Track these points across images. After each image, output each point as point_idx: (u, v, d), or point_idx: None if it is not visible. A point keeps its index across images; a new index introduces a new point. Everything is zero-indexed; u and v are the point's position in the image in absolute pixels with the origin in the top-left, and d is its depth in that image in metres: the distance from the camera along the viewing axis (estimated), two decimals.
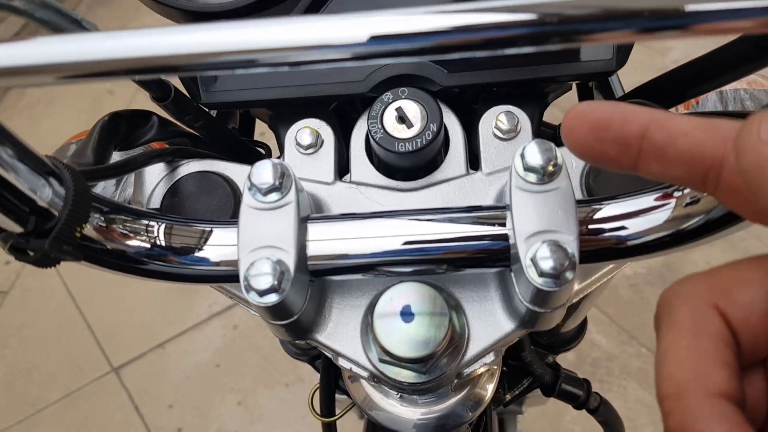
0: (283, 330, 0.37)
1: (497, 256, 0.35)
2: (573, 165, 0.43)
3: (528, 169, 0.34)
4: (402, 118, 0.41)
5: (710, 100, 0.62)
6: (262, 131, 0.65)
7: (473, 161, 0.44)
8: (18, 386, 2.18)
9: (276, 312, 0.35)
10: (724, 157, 0.23)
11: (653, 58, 2.55)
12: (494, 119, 0.43)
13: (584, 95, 0.62)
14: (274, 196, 0.35)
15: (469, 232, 0.35)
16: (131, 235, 0.35)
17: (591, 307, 0.78)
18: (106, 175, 0.39)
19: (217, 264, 0.36)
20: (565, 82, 0.48)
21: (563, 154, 0.35)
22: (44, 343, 2.28)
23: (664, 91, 0.46)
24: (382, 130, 0.41)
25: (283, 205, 0.35)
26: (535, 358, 0.70)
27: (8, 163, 0.31)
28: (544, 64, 0.44)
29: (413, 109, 0.41)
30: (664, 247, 0.34)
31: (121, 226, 0.35)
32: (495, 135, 0.43)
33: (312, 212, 0.39)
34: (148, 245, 0.35)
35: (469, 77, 0.44)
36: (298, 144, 0.44)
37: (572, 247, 0.32)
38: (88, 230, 0.34)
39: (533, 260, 0.32)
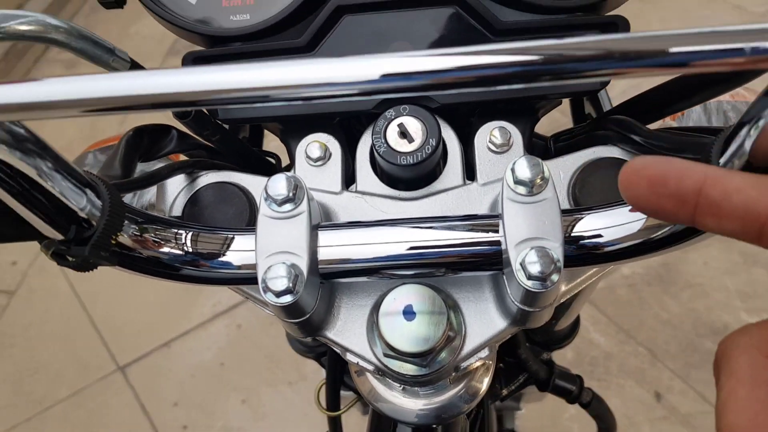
0: (297, 327, 0.41)
1: (490, 261, 0.39)
2: (561, 176, 0.47)
3: (518, 182, 0.38)
4: (404, 133, 0.44)
5: (695, 112, 0.66)
6: (269, 140, 0.69)
7: (469, 172, 0.48)
8: (25, 385, 2.22)
9: (290, 311, 0.38)
10: None
11: None
12: (488, 134, 0.47)
13: (576, 108, 0.66)
14: (288, 206, 0.39)
15: (465, 239, 0.39)
16: (160, 241, 0.39)
17: (582, 307, 0.81)
18: (136, 187, 0.42)
19: (238, 268, 0.40)
20: (555, 99, 0.51)
21: (550, 168, 0.38)
22: (51, 343, 2.31)
23: (646, 107, 0.50)
24: (385, 144, 0.44)
25: (297, 215, 0.39)
26: (531, 356, 0.74)
27: (52, 178, 0.35)
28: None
29: (414, 125, 0.44)
30: (637, 254, 0.37)
31: (151, 234, 0.39)
32: (489, 149, 0.47)
33: (322, 220, 0.43)
34: (176, 251, 0.39)
35: (466, 95, 0.48)
36: (308, 157, 0.48)
37: (557, 252, 0.36)
38: (122, 238, 0.38)
39: (522, 264, 0.36)
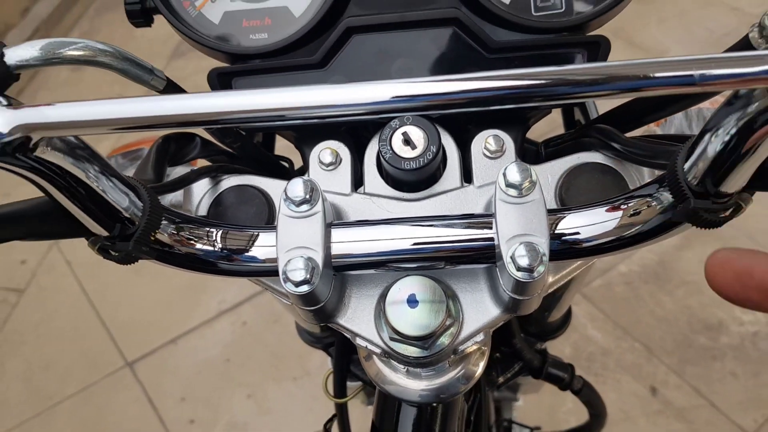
0: (312, 315, 0.46)
1: (485, 255, 0.44)
2: (549, 179, 0.52)
3: (509, 185, 0.43)
4: (407, 141, 0.49)
5: (677, 118, 0.71)
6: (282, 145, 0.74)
7: (467, 175, 0.53)
8: (36, 381, 2.27)
9: (307, 300, 0.44)
10: None
11: None
12: (483, 141, 0.52)
13: (567, 115, 0.71)
14: (305, 207, 0.44)
15: (463, 236, 0.44)
16: (193, 238, 0.44)
17: (572, 299, 0.86)
18: (169, 190, 0.48)
19: (262, 261, 0.45)
20: (545, 109, 0.56)
21: (539, 172, 0.43)
22: (60, 340, 2.36)
23: (627, 116, 0.55)
24: (390, 151, 0.49)
25: (313, 214, 0.44)
26: (525, 345, 0.79)
27: (101, 182, 0.40)
28: None
29: (416, 133, 0.49)
30: (613, 249, 0.43)
31: (185, 232, 0.44)
32: (484, 154, 0.52)
33: (334, 219, 0.48)
34: (207, 247, 0.44)
35: None
36: (321, 162, 0.53)
37: (543, 247, 0.41)
38: (160, 235, 0.43)
39: (512, 258, 0.41)
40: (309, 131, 0.55)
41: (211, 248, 0.44)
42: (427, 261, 0.45)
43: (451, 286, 0.48)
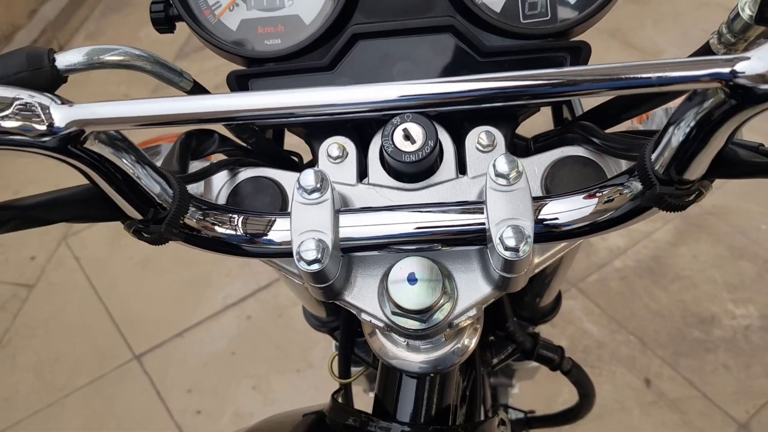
0: (322, 291, 0.51)
1: (477, 238, 0.49)
2: (536, 171, 0.57)
3: (498, 175, 0.48)
4: (407, 136, 0.54)
5: (658, 116, 0.77)
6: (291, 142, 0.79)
7: (461, 167, 0.58)
8: (46, 373, 2.32)
9: (318, 277, 0.49)
10: None
11: None
12: (477, 136, 0.57)
13: (556, 114, 0.76)
14: (316, 195, 0.50)
15: (457, 221, 0.49)
16: (217, 223, 0.50)
17: (560, 285, 0.92)
18: (194, 180, 0.53)
19: (278, 244, 0.50)
20: (532, 107, 0.62)
21: (526, 164, 0.49)
22: (69, 333, 2.41)
23: (607, 114, 0.60)
24: (392, 145, 0.54)
25: (323, 201, 0.50)
26: (518, 329, 0.84)
27: (137, 171, 0.46)
28: None
29: (416, 129, 0.54)
30: (590, 232, 0.48)
31: (210, 218, 0.50)
32: (477, 148, 0.57)
33: (342, 206, 0.54)
34: (230, 231, 0.50)
35: None
36: (329, 155, 0.58)
37: (528, 230, 0.46)
38: (188, 219, 0.49)
39: (501, 239, 0.46)
40: (318, 128, 0.61)
41: (233, 232, 0.50)
42: (425, 243, 0.50)
43: (446, 266, 0.53)
